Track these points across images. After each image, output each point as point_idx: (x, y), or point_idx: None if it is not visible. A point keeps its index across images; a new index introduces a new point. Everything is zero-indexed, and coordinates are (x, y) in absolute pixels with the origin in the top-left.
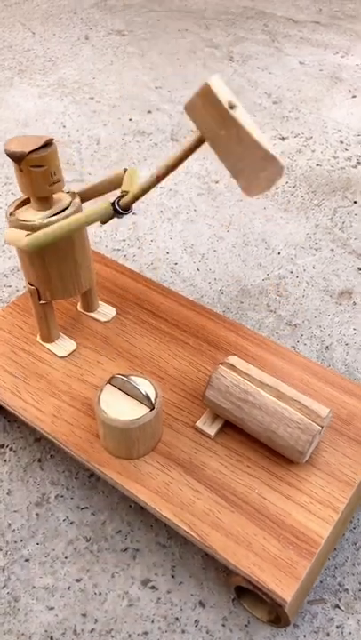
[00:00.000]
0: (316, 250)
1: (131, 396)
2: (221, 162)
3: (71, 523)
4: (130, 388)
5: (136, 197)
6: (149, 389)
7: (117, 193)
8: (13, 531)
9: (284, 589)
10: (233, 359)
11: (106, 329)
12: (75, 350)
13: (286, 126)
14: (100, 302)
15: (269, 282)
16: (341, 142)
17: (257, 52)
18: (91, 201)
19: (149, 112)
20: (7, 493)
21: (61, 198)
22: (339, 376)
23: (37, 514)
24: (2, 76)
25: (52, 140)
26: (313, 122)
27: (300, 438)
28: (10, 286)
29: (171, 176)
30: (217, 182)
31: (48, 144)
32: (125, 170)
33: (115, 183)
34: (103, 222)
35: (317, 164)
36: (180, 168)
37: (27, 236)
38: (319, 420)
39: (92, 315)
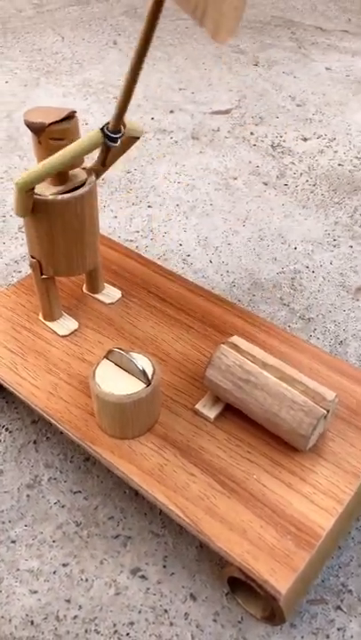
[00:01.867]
0: (335, 246)
1: (127, 371)
2: (181, 8)
3: (62, 506)
4: (126, 362)
5: (120, 110)
6: (146, 365)
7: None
8: (2, 511)
9: (280, 581)
10: (236, 339)
11: (110, 310)
12: (76, 330)
13: (309, 128)
14: (105, 284)
15: (284, 276)
16: None
17: (283, 57)
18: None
19: (172, 112)
20: None
21: (77, 174)
22: (349, 365)
23: (28, 495)
24: (29, 76)
25: (75, 112)
26: (337, 124)
27: (304, 421)
28: (20, 272)
29: (189, 172)
30: (235, 179)
31: (70, 117)
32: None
33: (125, 144)
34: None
35: (339, 164)
36: (199, 165)
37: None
38: (324, 404)
39: (97, 296)
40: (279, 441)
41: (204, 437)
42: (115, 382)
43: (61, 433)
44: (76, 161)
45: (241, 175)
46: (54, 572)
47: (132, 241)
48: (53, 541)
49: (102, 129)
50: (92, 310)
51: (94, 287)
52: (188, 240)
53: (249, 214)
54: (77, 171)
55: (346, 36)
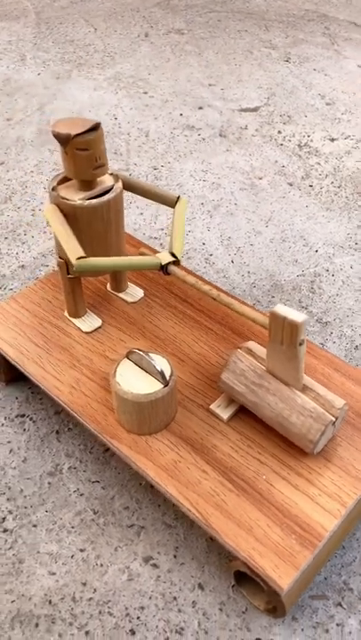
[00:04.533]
0: (356, 250)
1: (146, 371)
2: (268, 341)
3: (81, 494)
4: (146, 363)
5: (185, 282)
6: (165, 366)
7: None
8: (25, 497)
9: (282, 577)
10: (251, 344)
11: (132, 309)
12: (100, 327)
13: (338, 128)
14: (129, 284)
15: (304, 278)
16: None
17: (315, 54)
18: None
19: (200, 108)
20: (23, 461)
21: (104, 180)
22: None
23: (49, 483)
24: (61, 68)
25: (99, 124)
26: None
27: (313, 427)
28: (47, 265)
29: (215, 170)
30: (260, 179)
31: (94, 128)
32: (178, 198)
33: (162, 201)
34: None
35: None
36: (225, 163)
37: (78, 259)
38: (333, 411)
39: (121, 295)
40: (289, 444)
41: (218, 437)
42: (134, 381)
43: (83, 425)
44: (125, 270)
45: (266, 175)
46: (72, 557)
47: (156, 238)
48: (72, 527)
49: (163, 268)
50: (115, 309)
51: (118, 286)
52: (211, 239)
53: (273, 215)
54: (105, 176)
55: None
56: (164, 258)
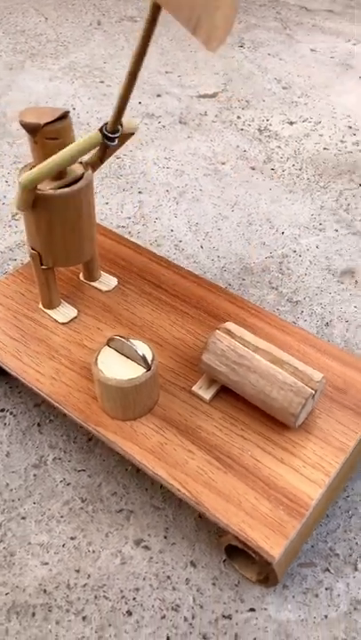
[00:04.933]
0: (321, 230)
1: (128, 357)
2: (176, 18)
3: (68, 484)
4: (127, 349)
5: (118, 112)
6: (146, 351)
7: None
8: (11, 490)
9: (273, 547)
10: (229, 325)
11: (107, 298)
12: (75, 317)
13: (295, 111)
14: (101, 272)
15: (272, 260)
16: (350, 127)
17: (268, 38)
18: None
19: (159, 96)
20: (6, 455)
21: (74, 168)
22: (336, 348)
23: (35, 475)
24: (14, 59)
25: (68, 112)
26: (322, 107)
27: (293, 401)
28: (15, 259)
29: (177, 157)
30: (223, 164)
31: (64, 116)
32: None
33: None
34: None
35: (325, 148)
36: (187, 150)
37: (20, 179)
38: (312, 384)
39: (94, 284)
40: (271, 419)
41: (201, 417)
42: (116, 368)
43: (64, 415)
44: (75, 159)
45: (229, 160)
46: (63, 545)
47: (124, 227)
48: (61, 517)
49: (101, 129)
50: (89, 298)
51: (91, 275)
52: (179, 226)
53: (238, 199)
54: (74, 165)
55: (331, 15)
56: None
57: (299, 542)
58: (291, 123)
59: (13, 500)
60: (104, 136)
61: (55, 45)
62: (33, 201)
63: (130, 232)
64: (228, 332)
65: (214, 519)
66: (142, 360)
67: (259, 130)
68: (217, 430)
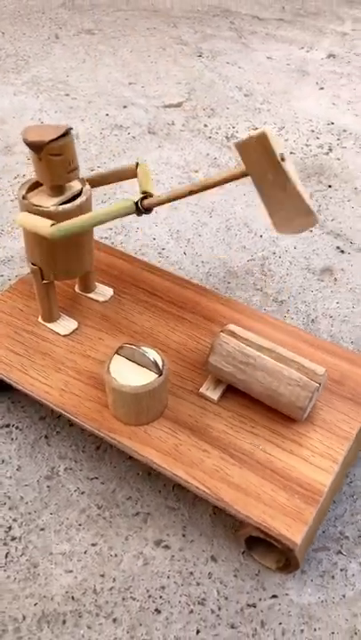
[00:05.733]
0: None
1: (138, 364)
2: (261, 198)
3: (82, 493)
4: (138, 356)
5: (161, 203)
6: (157, 357)
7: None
8: (27, 503)
9: (295, 533)
10: (232, 327)
11: (105, 308)
12: (76, 329)
13: (259, 117)
14: (97, 283)
15: (254, 263)
16: (313, 131)
17: (225, 48)
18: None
19: (125, 107)
20: (17, 469)
21: (72, 185)
22: (328, 342)
23: (48, 486)
24: None
25: (71, 129)
26: (284, 113)
27: (301, 395)
28: (2, 275)
29: (151, 167)
30: (196, 172)
31: (66, 133)
32: (137, 164)
33: (125, 175)
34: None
35: (291, 152)
36: (159, 159)
37: (52, 225)
38: (317, 378)
39: (91, 295)
40: (277, 414)
41: (211, 417)
42: (128, 375)
43: (71, 426)
44: (105, 222)
45: (201, 168)
46: (85, 552)
47: (106, 238)
48: (79, 525)
49: (137, 205)
50: (87, 309)
51: (87, 287)
52: (160, 234)
53: (214, 206)
54: (73, 181)
55: (282, 24)
56: (135, 197)
57: (314, 528)
58: (256, 129)
59: (30, 513)
60: (137, 209)
61: (15, 60)
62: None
63: (113, 243)
64: (233, 334)
65: (235, 513)
66: (154, 365)
67: (226, 137)
68: (227, 428)
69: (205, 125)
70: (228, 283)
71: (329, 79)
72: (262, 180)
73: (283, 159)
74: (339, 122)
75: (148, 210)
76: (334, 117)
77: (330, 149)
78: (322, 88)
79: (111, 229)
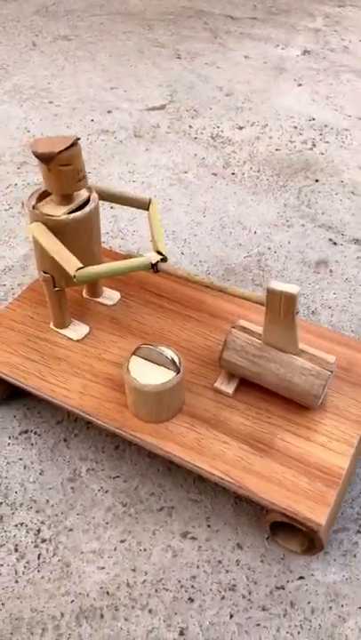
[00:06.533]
0: (289, 226)
1: (155, 363)
2: (265, 319)
3: (106, 492)
4: (155, 355)
5: (174, 274)
6: (173, 355)
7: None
8: (52, 506)
9: (318, 515)
10: (243, 322)
11: (114, 311)
12: (88, 333)
13: (242, 116)
14: (104, 288)
15: (251, 259)
16: (295, 127)
17: (202, 48)
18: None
19: (109, 112)
20: (40, 473)
21: (80, 193)
22: (332, 332)
23: (72, 488)
24: None
25: (78, 139)
26: (266, 110)
27: (315, 383)
28: (4, 285)
29: (140, 170)
30: (186, 173)
31: (74, 144)
32: (150, 200)
33: (135, 204)
34: None
35: (277, 149)
36: (149, 162)
37: (78, 269)
38: (328, 366)
39: (99, 300)
40: (290, 403)
41: (227, 410)
42: (148, 374)
43: (88, 428)
44: (124, 274)
45: (190, 169)
46: (115, 549)
47: (104, 242)
48: (106, 523)
49: (154, 266)
50: (97, 313)
51: (95, 292)
52: None
53: (206, 205)
54: (81, 190)
55: (256, 22)
56: (153, 257)
57: (336, 509)
58: (240, 128)
59: (57, 515)
60: (153, 268)
61: None
62: (47, 227)
63: (111, 247)
64: (244, 329)
65: (260, 500)
66: (172, 363)
67: (212, 137)
68: (245, 420)
69: (190, 126)
70: (228, 280)
71: (306, 75)
72: (273, 318)
73: (297, 312)
74: (320, 117)
75: (158, 271)
76: (315, 113)
77: (313, 145)
78: (300, 85)
79: (108, 233)
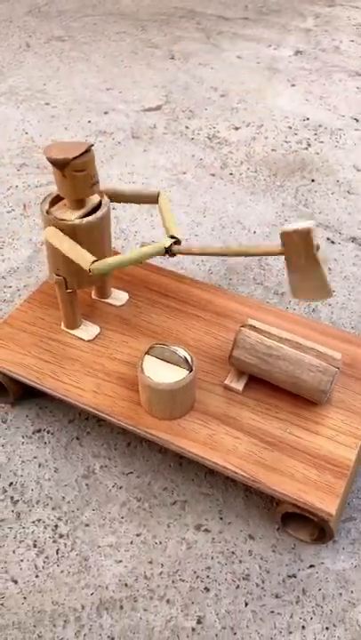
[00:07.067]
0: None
1: (168, 362)
2: (288, 272)
3: (120, 487)
4: (168, 354)
5: (189, 254)
6: (185, 354)
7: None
8: (68, 502)
9: (329, 505)
10: (252, 321)
11: (122, 312)
12: (99, 333)
13: (237, 117)
14: (112, 289)
15: (251, 258)
16: (290, 127)
17: (196, 49)
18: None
19: (106, 113)
20: (54, 471)
21: (91, 197)
22: (335, 329)
23: (87, 484)
24: None
25: (92, 145)
26: (260, 111)
27: (322, 380)
28: (10, 287)
29: (140, 171)
30: (184, 173)
31: (88, 150)
32: (158, 193)
33: (145, 200)
34: None
35: (273, 150)
36: (147, 163)
37: (93, 262)
38: (335, 363)
39: (108, 301)
40: (298, 399)
41: (238, 406)
42: (161, 373)
43: (100, 426)
44: (140, 262)
45: (189, 169)
46: (131, 543)
47: None
48: (122, 518)
49: (168, 249)
50: (106, 314)
51: (104, 293)
52: (158, 236)
53: (206, 205)
54: (92, 195)
55: (247, 23)
56: (166, 241)
57: (344, 499)
58: (236, 128)
59: (73, 511)
60: (167, 252)
61: None
62: (61, 230)
63: (114, 247)
64: (253, 328)
65: (272, 492)
66: (184, 362)
67: (208, 138)
68: (255, 415)
69: (187, 127)
70: (230, 279)
71: (299, 75)
72: (296, 263)
73: (318, 248)
74: (314, 117)
75: (174, 254)
76: (309, 113)
77: (308, 145)
78: (293, 85)
79: None
